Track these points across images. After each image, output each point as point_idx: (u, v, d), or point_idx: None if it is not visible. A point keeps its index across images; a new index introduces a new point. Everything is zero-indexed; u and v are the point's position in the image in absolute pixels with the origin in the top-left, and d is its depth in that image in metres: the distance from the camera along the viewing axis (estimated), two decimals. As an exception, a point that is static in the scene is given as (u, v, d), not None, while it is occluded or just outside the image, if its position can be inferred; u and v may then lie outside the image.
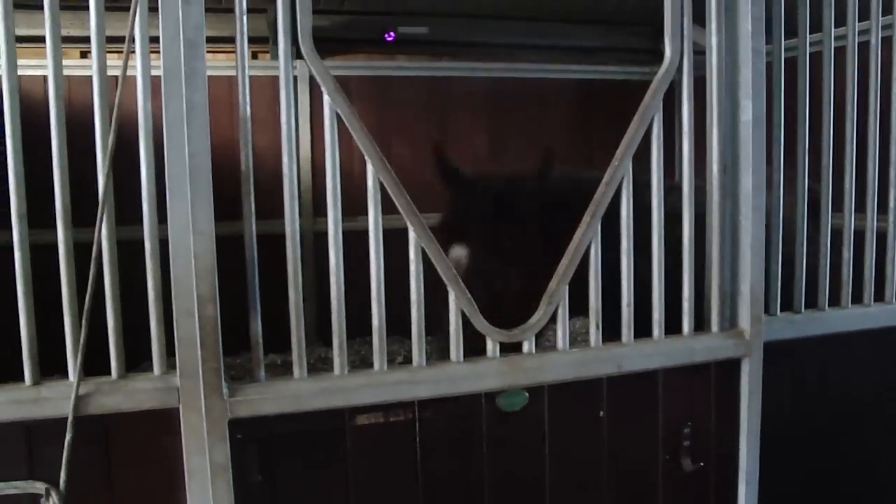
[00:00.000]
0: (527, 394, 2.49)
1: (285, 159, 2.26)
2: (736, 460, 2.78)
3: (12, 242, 2.14)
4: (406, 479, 2.43)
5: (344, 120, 2.29)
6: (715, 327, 2.73)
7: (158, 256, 2.22)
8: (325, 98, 2.28)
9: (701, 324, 2.76)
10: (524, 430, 2.53)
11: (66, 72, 2.22)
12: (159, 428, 2.26)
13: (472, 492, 2.51)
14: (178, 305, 2.18)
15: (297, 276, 2.27)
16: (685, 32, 2.63)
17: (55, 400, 2.18)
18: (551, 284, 2.52)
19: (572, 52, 5.32)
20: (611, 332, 2.62)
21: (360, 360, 2.41)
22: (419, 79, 4.95)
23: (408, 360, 2.44)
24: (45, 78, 2.18)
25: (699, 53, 2.71)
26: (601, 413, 2.62)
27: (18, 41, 2.15)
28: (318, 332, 4.59)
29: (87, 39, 2.19)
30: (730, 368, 2.74)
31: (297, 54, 2.31)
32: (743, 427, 2.74)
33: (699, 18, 2.68)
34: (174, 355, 2.20)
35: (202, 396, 2.19)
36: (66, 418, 2.17)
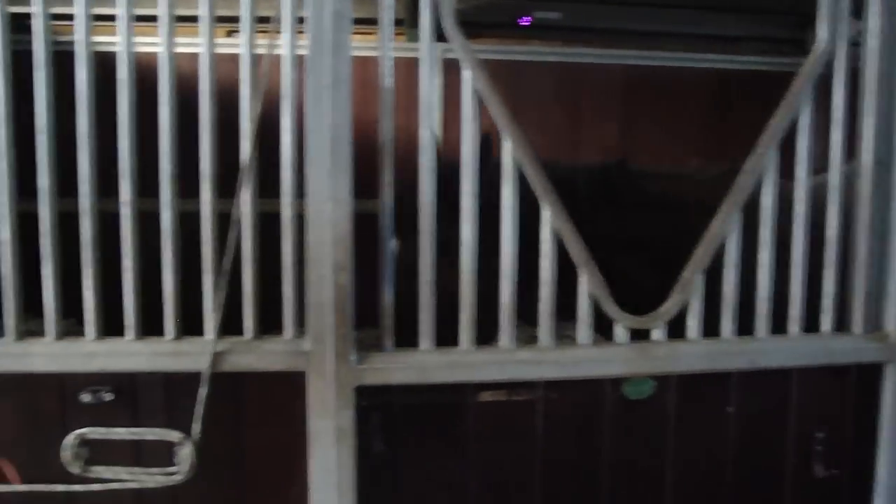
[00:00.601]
0: (654, 382, 2.43)
1: (423, 132, 2.27)
2: (873, 471, 2.63)
3: (159, 208, 2.27)
4: (525, 458, 2.41)
5: (483, 97, 2.28)
6: (857, 328, 2.58)
7: (296, 224, 2.28)
8: (466, 74, 2.28)
9: (842, 324, 2.61)
10: (649, 420, 2.48)
11: (216, 50, 2.30)
12: (287, 390, 2.33)
13: (591, 478, 2.47)
14: (312, 272, 2.23)
15: (429, 250, 2.29)
16: (841, 15, 2.49)
17: (193, 355, 2.28)
18: (685, 273, 2.44)
19: (710, 41, 5.13)
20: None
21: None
22: (552, 64, 4.88)
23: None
24: (196, 56, 2.27)
25: (853, 45, 2.56)
26: (729, 408, 2.53)
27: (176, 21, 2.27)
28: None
29: (234, 19, 2.27)
30: (871, 373, 2.59)
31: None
32: (883, 436, 2.59)
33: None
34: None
35: (331, 361, 2.23)
36: (202, 373, 2.27)
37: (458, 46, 2.27)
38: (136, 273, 2.29)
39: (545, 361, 2.34)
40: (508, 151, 2.30)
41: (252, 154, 2.25)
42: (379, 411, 2.31)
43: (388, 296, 2.30)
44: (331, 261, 2.19)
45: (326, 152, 2.18)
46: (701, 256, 2.45)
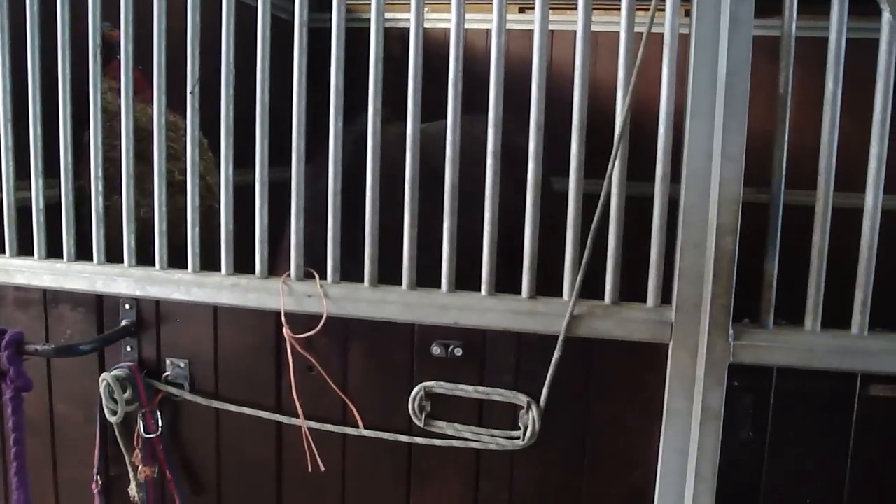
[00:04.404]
0: None
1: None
2: None
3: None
4: (915, 468, 2.09)
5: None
6: None
7: (668, 183, 2.10)
8: None
9: None
10: None
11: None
12: (643, 362, 2.17)
13: None
14: (684, 236, 2.05)
15: (822, 224, 2.02)
16: None
17: (549, 316, 2.18)
18: None
19: None
20: None
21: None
22: None
23: None
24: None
25: None
26: None
27: None
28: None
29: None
30: None
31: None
32: None
33: None
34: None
35: (703, 334, 2.04)
36: (556, 336, 2.16)
37: None
38: (493, 229, 2.23)
39: (956, 357, 2.00)
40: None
41: (624, 127, 2.10)
42: (751, 394, 2.08)
43: (771, 266, 2.06)
44: (714, 223, 2.00)
45: (713, 102, 1.99)
46: None
